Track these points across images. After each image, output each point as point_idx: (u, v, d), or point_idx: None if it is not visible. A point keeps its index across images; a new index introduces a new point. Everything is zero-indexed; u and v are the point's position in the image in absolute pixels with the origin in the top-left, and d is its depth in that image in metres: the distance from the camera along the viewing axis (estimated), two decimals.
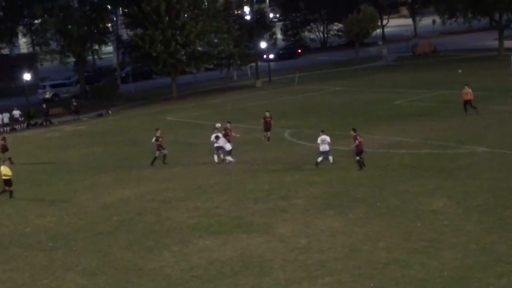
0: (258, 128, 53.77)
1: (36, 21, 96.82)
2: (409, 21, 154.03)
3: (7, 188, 40.98)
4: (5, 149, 51.19)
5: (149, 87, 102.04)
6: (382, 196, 33.65)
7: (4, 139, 51.81)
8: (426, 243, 27.17)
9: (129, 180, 42.52)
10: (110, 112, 79.69)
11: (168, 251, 29.52)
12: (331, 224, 30.49)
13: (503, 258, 24.68)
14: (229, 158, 44.46)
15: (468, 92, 53.66)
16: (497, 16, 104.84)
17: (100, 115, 78.59)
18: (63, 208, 37.62)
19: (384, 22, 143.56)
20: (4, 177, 40.99)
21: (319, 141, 41.21)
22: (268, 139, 50.43)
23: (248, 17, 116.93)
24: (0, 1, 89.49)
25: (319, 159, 41.28)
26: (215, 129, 45.30)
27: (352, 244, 27.90)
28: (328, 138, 41.04)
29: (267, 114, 50.74)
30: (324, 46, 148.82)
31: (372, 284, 23.58)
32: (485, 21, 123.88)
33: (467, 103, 53.48)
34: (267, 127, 50.54)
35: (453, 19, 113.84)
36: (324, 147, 41.02)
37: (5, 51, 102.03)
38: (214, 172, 43.26)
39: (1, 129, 74.59)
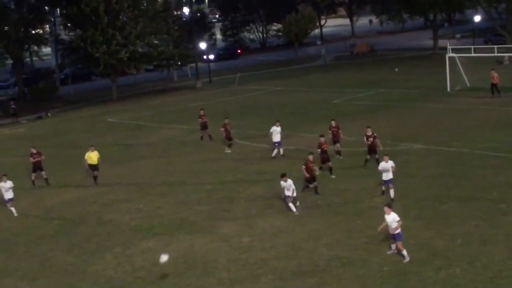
0: (198, 128, 53.82)
1: None
2: (346, 21, 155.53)
3: None
4: None
5: (88, 89, 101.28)
6: (323, 194, 33.90)
7: None
8: (366, 239, 27.50)
9: (70, 183, 42.21)
10: (49, 114, 78.82)
11: (110, 253, 29.42)
12: (273, 223, 30.67)
13: (440, 253, 25.17)
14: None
15: (494, 76, 58.17)
16: (431, 16, 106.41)
17: (39, 118, 77.73)
18: (2, 212, 37.24)
19: (322, 22, 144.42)
20: None
21: (273, 129, 43.38)
22: (205, 136, 50.62)
23: (187, 18, 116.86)
24: None
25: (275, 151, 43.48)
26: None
27: (294, 242, 28.10)
28: (279, 129, 43.27)
29: (202, 112, 50.97)
30: (263, 46, 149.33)
31: (313, 281, 23.80)
32: (419, 21, 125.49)
33: (494, 86, 57.97)
34: (204, 127, 50.83)
35: (389, 19, 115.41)
36: (276, 139, 43.25)
37: None
38: (156, 173, 43.17)
39: None
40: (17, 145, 57.72)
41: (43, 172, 42.15)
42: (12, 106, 79.14)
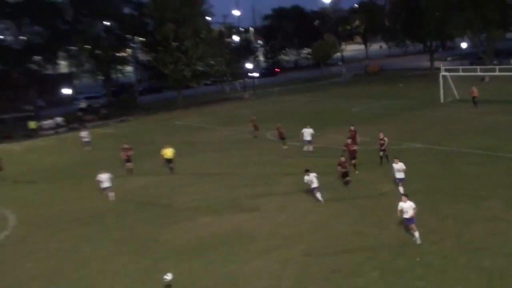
0: (246, 130, 54.01)
1: (73, 48, 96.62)
2: (362, 46, 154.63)
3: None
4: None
5: (160, 99, 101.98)
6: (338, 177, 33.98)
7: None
8: (377, 218, 27.51)
9: (147, 170, 42.67)
10: (131, 118, 79.69)
11: (177, 226, 29.75)
12: (303, 204, 30.76)
13: (434, 230, 25.14)
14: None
15: (474, 91, 58.18)
16: (428, 43, 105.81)
17: (123, 121, 78.56)
18: (97, 192, 37.79)
19: (343, 47, 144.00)
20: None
21: (304, 130, 43.55)
22: (255, 137, 50.91)
23: (237, 44, 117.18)
24: (47, 33, 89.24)
25: (305, 147, 43.47)
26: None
27: (320, 220, 28.20)
28: (311, 130, 43.54)
29: (254, 117, 51.48)
30: (296, 66, 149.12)
31: (336, 249, 23.88)
32: (419, 46, 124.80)
33: (473, 98, 57.81)
34: (255, 128, 51.21)
35: (395, 45, 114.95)
36: (307, 138, 43.41)
37: (49, 71, 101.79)
38: (212, 164, 43.45)
39: (46, 132, 74.75)
40: (108, 141, 58.44)
41: (130, 163, 42.66)
42: (103, 112, 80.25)
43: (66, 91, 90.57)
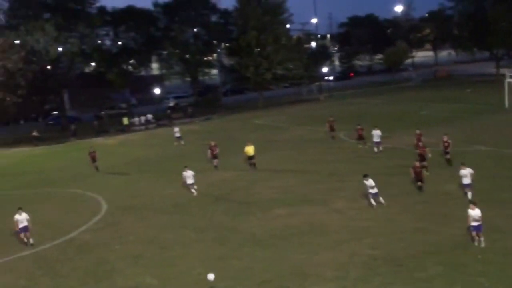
0: (321, 130, 53.56)
1: (164, 52, 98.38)
2: (431, 53, 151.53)
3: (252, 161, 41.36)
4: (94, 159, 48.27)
5: (242, 99, 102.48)
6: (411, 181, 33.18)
7: (94, 152, 48.69)
8: (441, 216, 26.78)
9: (228, 165, 42.82)
10: (214, 117, 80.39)
11: (254, 216, 29.74)
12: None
13: (497, 229, 24.23)
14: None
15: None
16: (494, 51, 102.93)
17: (208, 119, 79.32)
18: (177, 182, 38.22)
19: (413, 53, 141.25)
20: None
21: (372, 132, 42.80)
22: (332, 137, 50.23)
23: (314, 49, 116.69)
24: (141, 38, 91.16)
25: (375, 149, 42.56)
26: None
27: (387, 215, 27.66)
28: (379, 132, 42.70)
29: (331, 118, 50.89)
30: (369, 70, 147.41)
31: (402, 245, 23.39)
32: (486, 54, 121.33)
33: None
34: (332, 129, 50.55)
35: (463, 52, 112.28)
36: (376, 139, 42.60)
37: (142, 73, 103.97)
38: (288, 161, 43.29)
39: (138, 128, 76.28)
40: (193, 137, 59.03)
41: (217, 160, 42.58)
42: (189, 110, 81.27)
43: (157, 91, 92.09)
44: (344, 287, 20.16)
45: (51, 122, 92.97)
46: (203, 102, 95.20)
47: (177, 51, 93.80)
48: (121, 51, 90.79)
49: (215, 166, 42.24)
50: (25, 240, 28.63)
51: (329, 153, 44.86)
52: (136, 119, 79.54)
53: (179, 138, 57.70)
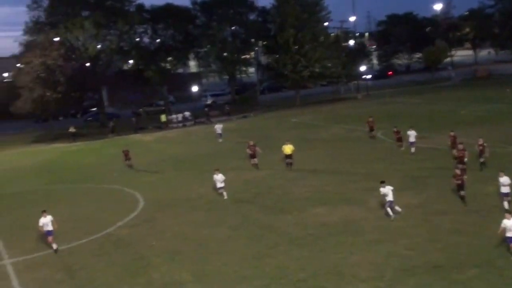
0: (358, 129, 53.24)
1: (202, 50, 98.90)
2: (471, 52, 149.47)
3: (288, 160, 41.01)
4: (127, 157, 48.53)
5: (279, 97, 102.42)
6: (448, 180, 32.70)
7: (127, 152, 48.96)
8: (479, 217, 26.42)
9: (264, 163, 42.82)
10: (252, 115, 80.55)
11: (290, 215, 29.73)
12: (409, 201, 29.95)
13: None
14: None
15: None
16: None
17: (245, 117, 79.51)
18: (213, 181, 38.48)
19: (453, 52, 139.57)
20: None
21: (408, 133, 42.24)
22: (371, 137, 49.78)
23: (352, 48, 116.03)
24: (180, 36, 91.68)
25: (412, 149, 41.84)
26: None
27: (424, 216, 27.39)
28: (414, 133, 41.99)
29: (371, 118, 50.45)
30: (408, 69, 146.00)
31: (439, 246, 23.12)
32: None
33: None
34: (371, 129, 50.12)
35: (503, 51, 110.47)
36: (411, 139, 42.02)
37: (180, 70, 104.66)
38: (325, 160, 43.16)
39: (175, 125, 76.85)
40: (230, 135, 59.17)
41: (255, 159, 42.34)
42: (227, 108, 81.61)
43: (194, 88, 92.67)
44: (378, 287, 20.04)
45: (90, 118, 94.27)
46: (240, 100, 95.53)
47: (214, 49, 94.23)
48: (159, 48, 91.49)
49: (253, 165, 42.16)
50: (54, 245, 27.79)
51: (366, 152, 44.58)
52: (173, 117, 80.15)
53: (219, 135, 58.00)
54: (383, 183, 28.05)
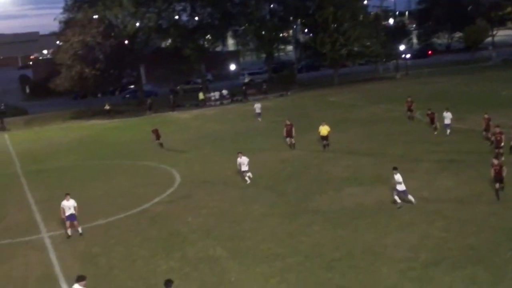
0: (396, 109, 52.66)
1: (240, 28, 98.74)
2: None
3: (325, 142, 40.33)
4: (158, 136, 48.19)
5: (317, 76, 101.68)
6: (485, 163, 32.19)
7: (156, 130, 48.50)
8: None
9: (301, 142, 42.68)
10: (289, 93, 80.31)
11: (326, 194, 29.71)
12: (446, 183, 29.68)
13: None
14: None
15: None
16: None
17: (282, 95, 79.34)
18: (253, 159, 38.54)
19: (494, 32, 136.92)
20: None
21: (444, 114, 41.49)
22: (410, 118, 49.07)
23: (392, 26, 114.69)
24: (218, 14, 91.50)
25: (448, 131, 41.18)
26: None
27: (461, 198, 27.09)
28: (450, 114, 41.30)
29: (409, 99, 49.73)
30: (448, 49, 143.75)
31: (473, 229, 22.88)
32: None
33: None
34: (409, 110, 49.34)
35: None
36: (447, 121, 41.26)
37: (218, 49, 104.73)
38: (363, 140, 42.92)
39: (212, 103, 77.08)
40: (266, 114, 59.01)
41: (292, 139, 41.69)
42: (264, 87, 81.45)
43: (232, 67, 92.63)
44: (414, 268, 19.95)
45: (128, 95, 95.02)
46: (277, 79, 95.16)
47: (252, 27, 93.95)
48: (197, 26, 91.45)
49: (290, 146, 41.94)
50: (69, 230, 26.76)
51: (403, 133, 44.11)
52: (211, 95, 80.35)
53: (259, 114, 57.90)
54: (395, 169, 26.65)
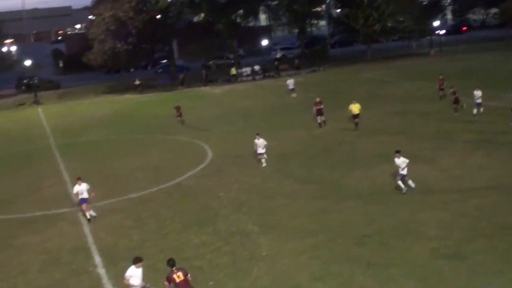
0: (429, 86, 52.00)
1: (272, 3, 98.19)
2: None
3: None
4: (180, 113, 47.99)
5: (350, 52, 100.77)
6: None
7: (178, 107, 48.40)
8: None
9: (333, 119, 42.44)
10: (321, 69, 79.88)
11: (358, 171, 29.61)
12: (480, 161, 29.35)
13: None
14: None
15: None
16: None
17: (314, 71, 78.92)
18: (282, 133, 38.57)
19: None
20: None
21: (474, 93, 40.37)
22: (442, 96, 48.28)
23: (426, 1, 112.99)
24: None
25: (475, 111, 40.18)
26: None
27: (495, 177, 26.75)
28: (480, 93, 40.08)
29: (441, 77, 48.94)
30: (483, 25, 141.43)
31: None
32: None
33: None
34: (440, 88, 48.57)
35: None
36: (478, 100, 40.18)
37: (251, 24, 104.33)
38: (395, 117, 42.56)
39: (244, 78, 77.01)
40: (299, 89, 58.59)
41: (322, 117, 41.29)
42: (296, 62, 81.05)
43: (264, 42, 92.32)
44: (446, 246, 19.83)
45: (160, 70, 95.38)
46: (310, 54, 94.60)
47: (285, 1, 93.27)
48: (229, 1, 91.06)
49: (319, 123, 41.26)
50: (87, 213, 26.23)
51: (435, 110, 43.52)
52: (243, 70, 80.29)
53: (292, 90, 57.51)
54: (398, 153, 25.77)
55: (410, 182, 25.64)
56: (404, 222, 22.20)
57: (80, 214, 26.98)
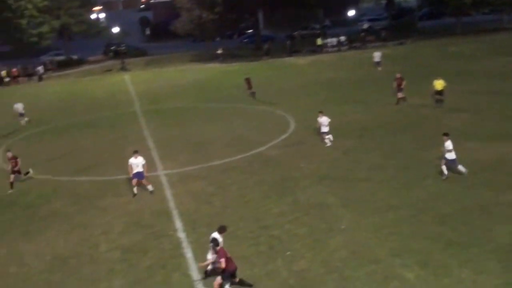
0: None
1: None
2: None
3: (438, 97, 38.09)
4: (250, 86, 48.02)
5: (439, 24, 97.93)
6: None
7: (248, 80, 48.24)
8: None
9: (417, 94, 41.26)
10: (408, 41, 78.25)
11: (441, 147, 28.99)
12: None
13: None
14: None
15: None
16: None
17: (401, 43, 77.38)
18: (366, 107, 38.16)
19: None
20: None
21: None
22: None
23: None
24: None
25: None
26: None
27: None
28: None
29: None
30: None
31: None
32: None
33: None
34: None
35: None
36: None
37: None
38: (482, 94, 41.22)
39: (330, 49, 76.39)
40: (385, 62, 57.39)
41: (401, 93, 39.57)
42: (383, 34, 79.71)
43: (351, 13, 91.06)
44: None
45: (245, 40, 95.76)
46: (397, 26, 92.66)
47: None
48: None
49: (399, 100, 39.79)
50: (135, 188, 26.07)
51: None
52: (328, 40, 79.59)
53: (378, 63, 56.57)
54: (446, 135, 24.83)
55: (460, 167, 24.71)
56: (487, 202, 21.73)
57: (162, 179, 27.72)
